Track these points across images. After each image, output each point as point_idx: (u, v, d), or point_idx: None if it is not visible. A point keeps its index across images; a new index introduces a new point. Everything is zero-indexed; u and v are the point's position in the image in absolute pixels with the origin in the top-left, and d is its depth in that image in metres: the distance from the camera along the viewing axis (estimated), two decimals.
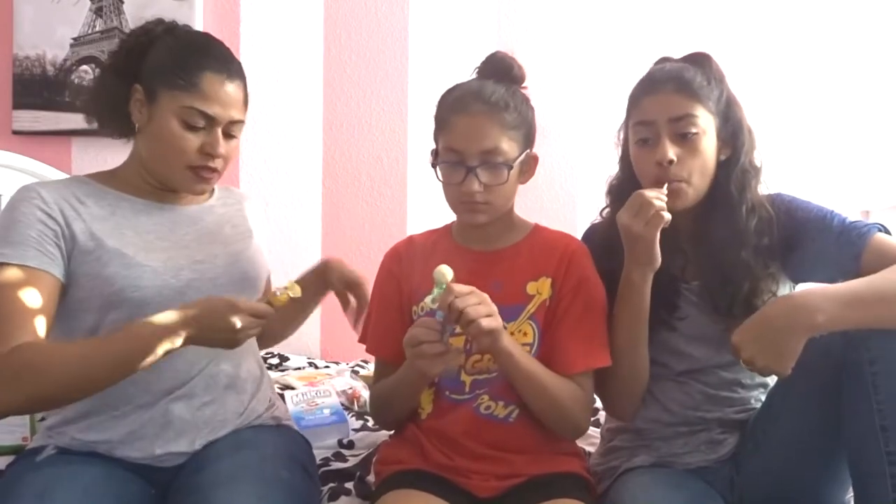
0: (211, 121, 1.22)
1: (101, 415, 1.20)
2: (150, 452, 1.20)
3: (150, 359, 1.08)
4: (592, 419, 1.76)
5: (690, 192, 1.25)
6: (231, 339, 1.13)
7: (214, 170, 1.25)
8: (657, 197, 1.17)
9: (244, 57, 2.50)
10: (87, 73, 2.43)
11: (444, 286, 1.11)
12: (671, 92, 1.25)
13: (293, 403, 1.75)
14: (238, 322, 1.11)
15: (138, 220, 1.26)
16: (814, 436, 1.20)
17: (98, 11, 2.43)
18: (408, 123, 2.62)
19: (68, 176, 1.43)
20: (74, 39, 2.43)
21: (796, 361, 1.14)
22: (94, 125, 1.33)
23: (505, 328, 1.22)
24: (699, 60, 1.31)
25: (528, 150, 1.28)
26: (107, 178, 1.29)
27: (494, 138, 1.21)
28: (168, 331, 1.09)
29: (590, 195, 2.68)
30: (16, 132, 2.41)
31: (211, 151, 1.23)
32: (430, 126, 1.31)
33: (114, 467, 1.17)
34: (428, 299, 1.13)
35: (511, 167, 1.22)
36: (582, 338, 1.24)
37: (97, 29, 2.42)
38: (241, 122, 1.27)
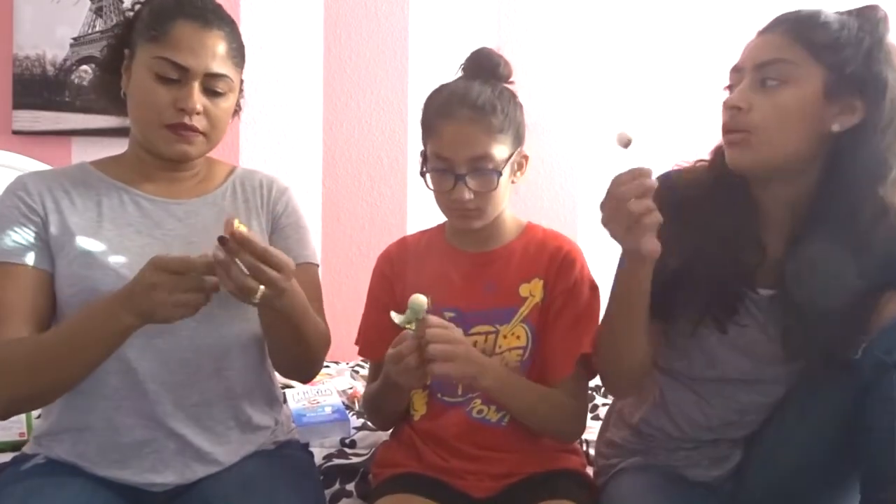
0: (185, 72, 1.13)
1: (82, 432, 1.13)
2: (130, 479, 1.12)
3: (100, 341, 1.03)
4: (591, 415, 1.77)
5: (751, 147, 1.03)
6: (170, 311, 0.99)
7: (194, 129, 1.15)
8: (628, 179, 0.97)
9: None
10: (87, 73, 2.42)
11: (418, 313, 1.09)
12: (778, 34, 1.04)
13: (294, 401, 1.75)
14: (158, 282, 0.97)
15: (124, 210, 1.18)
16: (828, 459, 1.12)
17: (98, 11, 2.42)
18: (408, 123, 2.62)
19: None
20: (74, 39, 2.42)
21: (815, 385, 1.08)
22: (107, 114, 1.29)
23: (498, 331, 1.22)
24: (856, 11, 1.05)
25: (519, 149, 1.24)
26: (108, 165, 1.24)
27: (483, 145, 1.17)
28: (107, 305, 1.02)
29: (590, 195, 2.68)
30: (16, 132, 2.41)
31: (184, 106, 1.13)
32: None
33: (98, 485, 1.11)
34: (397, 318, 1.10)
35: (501, 173, 1.19)
36: (571, 344, 1.22)
37: (97, 29, 2.42)
38: (225, 76, 1.17)
